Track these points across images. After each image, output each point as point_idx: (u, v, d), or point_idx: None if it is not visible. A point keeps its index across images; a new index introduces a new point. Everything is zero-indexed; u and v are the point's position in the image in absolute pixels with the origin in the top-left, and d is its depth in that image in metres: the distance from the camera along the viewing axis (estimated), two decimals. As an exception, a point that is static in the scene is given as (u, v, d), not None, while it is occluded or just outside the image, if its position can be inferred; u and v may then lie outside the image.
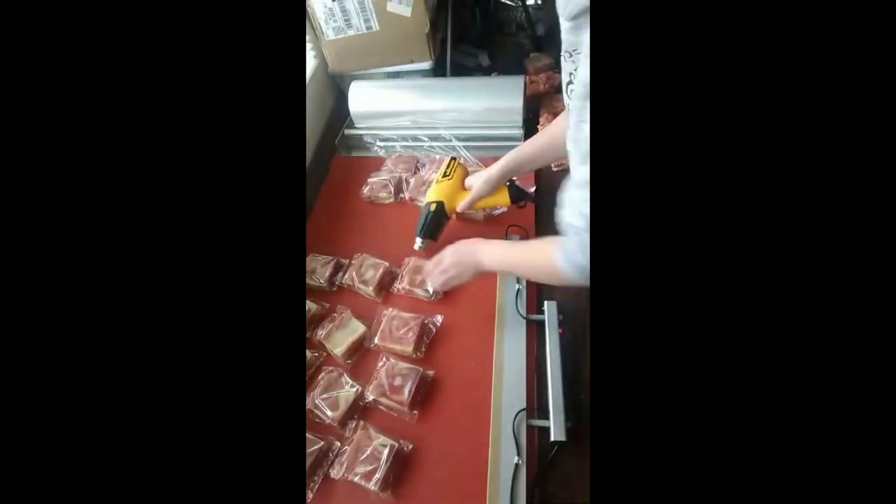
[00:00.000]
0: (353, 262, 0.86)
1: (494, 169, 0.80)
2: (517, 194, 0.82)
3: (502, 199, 0.83)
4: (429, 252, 0.81)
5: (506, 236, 0.88)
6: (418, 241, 0.84)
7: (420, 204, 0.96)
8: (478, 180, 0.82)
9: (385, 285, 0.84)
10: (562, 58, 0.55)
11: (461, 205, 0.83)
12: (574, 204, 0.52)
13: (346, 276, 0.85)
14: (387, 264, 0.84)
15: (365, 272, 0.84)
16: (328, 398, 0.69)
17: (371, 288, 0.82)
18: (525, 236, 0.87)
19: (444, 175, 0.84)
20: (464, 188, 0.84)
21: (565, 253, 0.55)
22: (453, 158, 0.85)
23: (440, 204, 0.83)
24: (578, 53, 0.50)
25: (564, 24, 0.51)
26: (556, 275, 0.58)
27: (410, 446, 0.66)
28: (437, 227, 0.84)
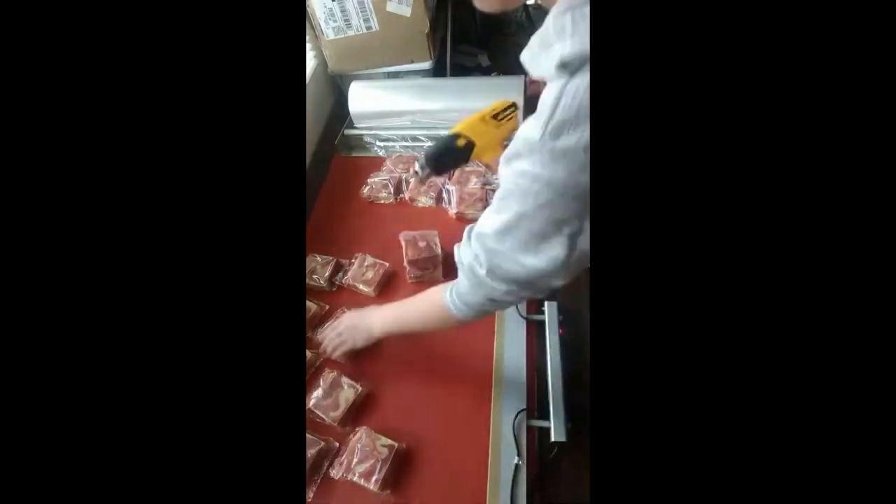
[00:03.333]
0: (354, 261, 0.86)
1: None
2: None
3: None
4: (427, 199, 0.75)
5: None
6: (420, 166, 0.70)
7: (420, 204, 0.96)
8: None
9: (385, 285, 0.84)
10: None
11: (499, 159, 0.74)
12: (478, 243, 0.48)
13: (346, 277, 0.84)
14: (387, 265, 0.84)
15: (366, 272, 0.84)
16: (328, 398, 0.69)
17: (371, 288, 0.82)
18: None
19: (495, 117, 0.68)
20: (504, 144, 0.71)
21: (452, 294, 0.55)
22: (514, 104, 0.68)
23: (470, 143, 0.68)
24: None
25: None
26: (447, 316, 0.57)
27: (408, 446, 0.66)
28: (452, 164, 0.71)
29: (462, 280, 0.54)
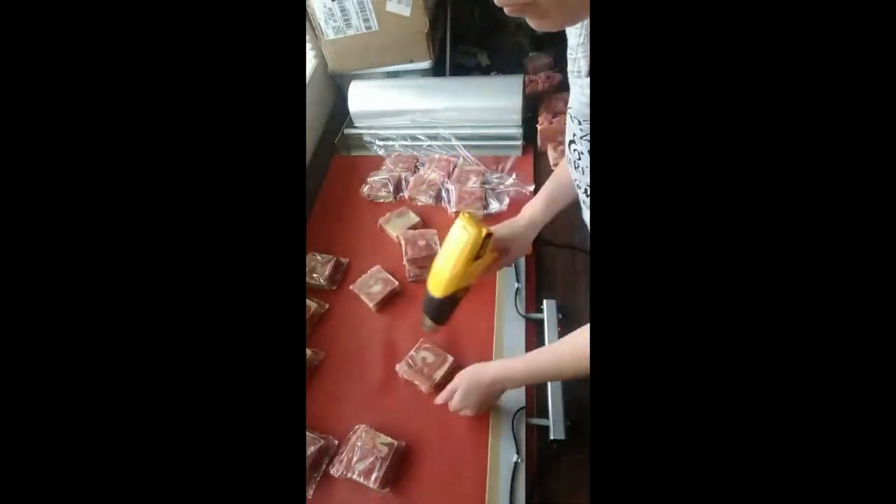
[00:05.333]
0: (363, 278, 0.84)
1: (536, 222, 0.71)
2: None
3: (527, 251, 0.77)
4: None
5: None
6: (430, 326, 0.70)
7: (420, 203, 0.96)
8: (515, 242, 0.71)
9: (387, 302, 0.82)
10: (567, 115, 0.53)
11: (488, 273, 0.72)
12: None
13: (354, 284, 0.83)
14: (396, 284, 0.82)
15: (373, 285, 0.82)
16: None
17: (373, 304, 0.81)
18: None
19: (477, 256, 0.62)
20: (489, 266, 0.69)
21: None
22: (489, 235, 0.61)
23: (465, 290, 0.67)
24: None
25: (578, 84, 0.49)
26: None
27: (408, 444, 0.67)
28: (453, 311, 0.70)
29: None
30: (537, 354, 0.62)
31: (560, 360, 0.58)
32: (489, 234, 0.61)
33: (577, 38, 0.47)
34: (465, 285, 0.65)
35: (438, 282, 0.64)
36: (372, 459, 0.63)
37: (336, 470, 0.64)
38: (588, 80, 0.47)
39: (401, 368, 0.73)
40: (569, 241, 0.86)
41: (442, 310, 0.67)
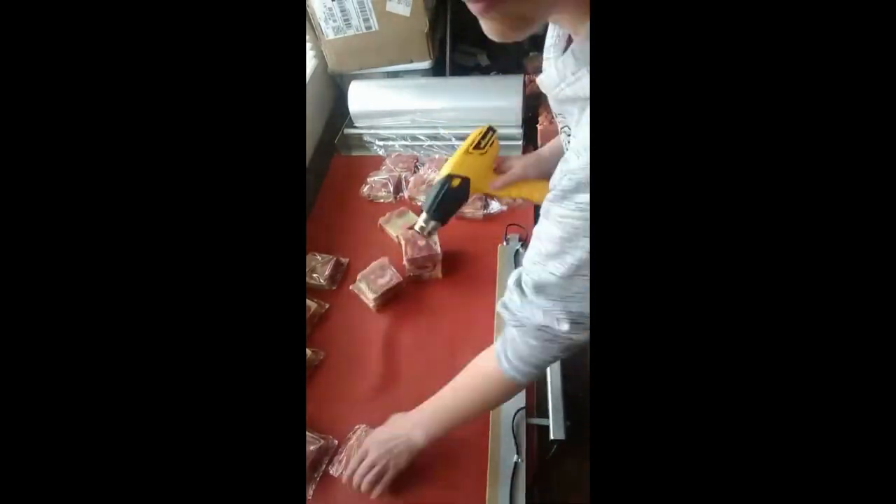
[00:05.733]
0: (371, 266, 0.83)
1: (543, 153, 0.69)
2: None
3: (541, 192, 0.75)
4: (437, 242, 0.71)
5: (505, 236, 0.88)
6: (425, 220, 0.69)
7: (420, 203, 0.96)
8: (520, 161, 0.70)
9: (390, 300, 0.83)
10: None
11: (495, 183, 0.69)
12: (544, 298, 0.42)
13: (358, 276, 0.82)
14: (401, 278, 0.82)
15: (381, 276, 0.81)
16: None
17: (375, 296, 0.80)
18: (525, 236, 0.87)
19: (477, 146, 0.65)
20: (494, 169, 0.70)
21: (509, 359, 0.48)
22: (490, 129, 0.66)
23: (465, 180, 0.66)
24: (568, 136, 0.44)
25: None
26: (510, 387, 0.51)
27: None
28: (454, 207, 0.69)
29: (523, 343, 0.47)
30: (439, 400, 0.59)
31: (462, 395, 0.56)
32: (492, 129, 0.66)
33: (551, 38, 0.46)
34: (463, 175, 0.67)
35: (447, 164, 0.67)
36: None
37: (336, 470, 0.64)
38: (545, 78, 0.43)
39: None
40: None
41: (436, 195, 0.67)
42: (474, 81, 1.14)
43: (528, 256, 0.44)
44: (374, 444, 0.60)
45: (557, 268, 0.40)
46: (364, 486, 0.60)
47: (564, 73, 0.38)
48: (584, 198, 0.36)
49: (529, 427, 0.67)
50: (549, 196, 0.39)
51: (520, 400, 0.68)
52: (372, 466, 0.59)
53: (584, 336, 0.44)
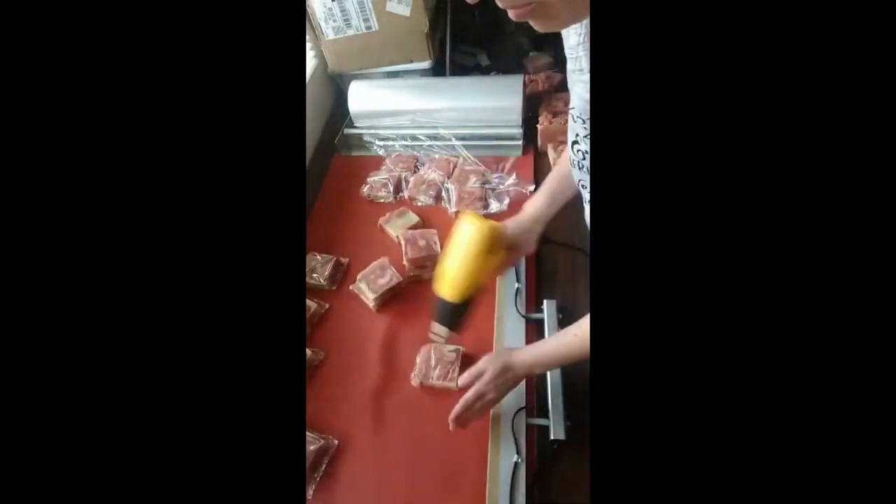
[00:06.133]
0: (371, 266, 0.83)
1: (541, 219, 0.70)
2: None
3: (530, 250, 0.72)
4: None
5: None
6: (441, 331, 0.66)
7: (420, 203, 0.96)
8: (524, 237, 0.69)
9: (390, 300, 0.82)
10: (570, 116, 0.53)
11: (499, 271, 0.71)
12: None
13: (358, 276, 0.82)
14: (401, 278, 0.82)
15: (381, 276, 0.81)
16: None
17: (375, 296, 0.80)
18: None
19: (489, 252, 0.60)
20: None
21: None
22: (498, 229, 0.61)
23: (473, 296, 0.64)
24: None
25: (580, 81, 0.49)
26: None
27: (408, 444, 0.67)
28: (467, 315, 0.66)
29: None
30: (563, 337, 0.61)
31: (586, 339, 0.57)
32: (494, 227, 0.59)
33: (578, 36, 0.47)
34: (480, 285, 0.62)
35: (452, 284, 0.61)
36: (446, 366, 0.71)
37: (415, 380, 0.71)
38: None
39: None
40: (570, 241, 0.85)
41: (458, 314, 0.64)
42: (474, 81, 1.14)
43: None
44: (493, 369, 0.62)
45: None
46: (477, 406, 0.63)
47: None
48: None
49: (529, 427, 0.67)
50: None
51: (520, 400, 0.68)
52: (486, 389, 0.62)
53: None
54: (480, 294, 0.65)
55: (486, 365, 0.64)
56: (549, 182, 0.70)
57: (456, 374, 0.69)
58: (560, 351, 0.61)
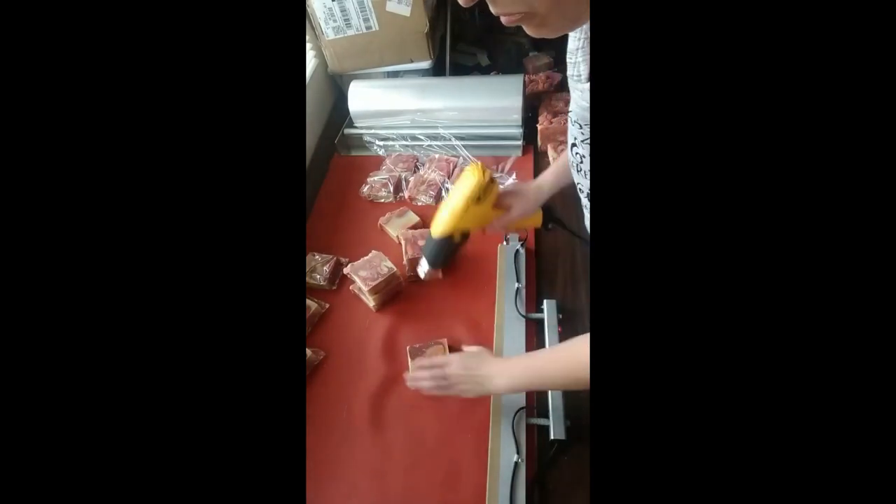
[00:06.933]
0: (365, 260, 0.82)
1: (543, 188, 0.71)
2: (548, 216, 0.76)
3: (536, 221, 0.74)
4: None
5: (505, 237, 0.88)
6: (427, 271, 0.72)
7: (420, 203, 0.96)
8: (520, 199, 0.70)
9: (389, 301, 0.82)
10: (569, 118, 0.53)
11: (493, 225, 0.70)
12: None
13: (352, 266, 0.81)
14: (401, 280, 0.82)
15: (378, 265, 0.81)
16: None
17: (373, 296, 0.80)
18: (524, 236, 0.88)
19: (478, 199, 0.64)
20: (494, 206, 0.69)
21: None
22: (492, 180, 0.64)
23: (466, 234, 0.68)
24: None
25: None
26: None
27: (408, 444, 0.66)
28: (453, 255, 0.71)
29: None
30: (533, 360, 0.61)
31: (556, 366, 0.58)
32: (492, 179, 0.64)
33: (577, 41, 0.47)
34: (464, 229, 0.67)
35: (438, 221, 0.66)
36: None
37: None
38: (588, 85, 0.47)
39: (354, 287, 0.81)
40: (576, 229, 0.85)
41: (438, 251, 0.69)
42: (474, 81, 1.14)
43: None
44: (458, 364, 0.63)
45: None
46: (424, 384, 0.65)
47: None
48: None
49: (529, 427, 0.67)
50: None
51: (520, 400, 0.68)
52: (443, 378, 0.63)
53: None
54: (470, 292, 0.71)
55: (453, 358, 0.65)
56: (557, 162, 0.71)
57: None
58: (528, 373, 0.60)
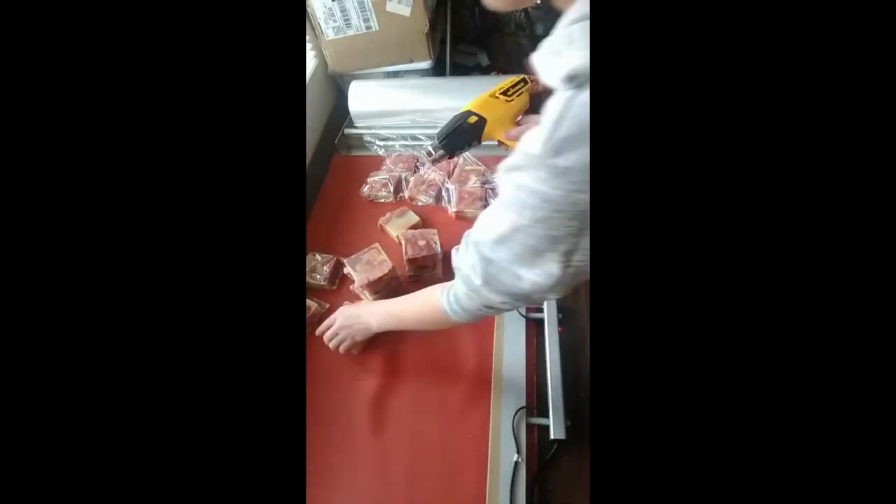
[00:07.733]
0: (362, 256, 0.83)
1: None
2: None
3: None
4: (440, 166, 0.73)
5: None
6: (433, 146, 0.71)
7: (420, 203, 0.96)
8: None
9: (384, 294, 0.82)
10: None
11: (510, 132, 0.69)
12: (474, 251, 0.48)
13: (356, 283, 0.81)
14: (392, 265, 0.81)
15: (378, 256, 0.82)
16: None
17: (370, 293, 0.80)
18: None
19: (505, 93, 0.66)
20: (516, 121, 0.70)
21: (449, 297, 0.56)
22: (524, 79, 0.66)
23: (482, 120, 0.68)
24: None
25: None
26: (443, 318, 0.58)
27: (408, 443, 0.66)
28: (464, 142, 0.69)
29: (459, 285, 0.53)
30: (394, 304, 0.70)
31: (410, 310, 0.67)
32: (525, 80, 0.67)
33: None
34: (483, 115, 0.68)
35: (469, 103, 0.68)
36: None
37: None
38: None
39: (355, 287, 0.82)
40: None
41: (450, 125, 0.69)
42: (474, 81, 1.13)
43: (485, 210, 0.48)
44: (342, 317, 0.74)
45: (490, 230, 0.45)
46: (332, 343, 0.75)
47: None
48: (519, 177, 0.39)
49: (529, 427, 0.67)
50: (505, 162, 0.42)
51: (520, 400, 0.68)
52: (335, 334, 0.74)
53: (497, 298, 0.49)
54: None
55: (337, 314, 0.75)
56: None
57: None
58: (395, 310, 0.69)
